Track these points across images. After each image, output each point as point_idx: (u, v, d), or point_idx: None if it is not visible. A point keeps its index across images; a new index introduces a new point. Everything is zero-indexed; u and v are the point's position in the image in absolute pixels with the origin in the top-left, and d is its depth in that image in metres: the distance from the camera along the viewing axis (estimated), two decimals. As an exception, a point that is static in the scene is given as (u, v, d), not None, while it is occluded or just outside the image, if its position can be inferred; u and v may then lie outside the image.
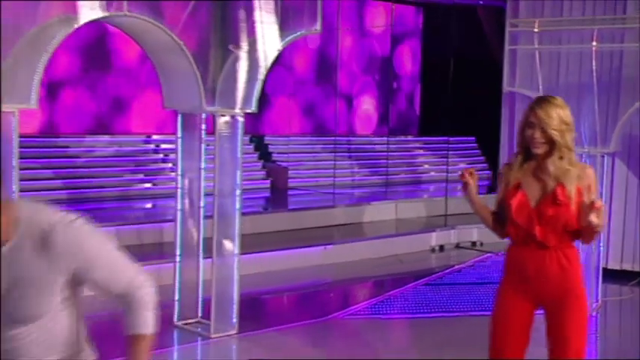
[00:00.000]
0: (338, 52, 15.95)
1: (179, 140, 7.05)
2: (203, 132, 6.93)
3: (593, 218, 3.87)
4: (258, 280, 8.78)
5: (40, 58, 5.79)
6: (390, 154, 15.63)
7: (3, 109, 5.64)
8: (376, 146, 16.06)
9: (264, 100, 14.97)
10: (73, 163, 12.15)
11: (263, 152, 14.59)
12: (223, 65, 6.81)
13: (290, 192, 13.68)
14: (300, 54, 15.75)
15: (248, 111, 6.94)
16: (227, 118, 6.87)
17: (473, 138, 16.86)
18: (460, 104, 15.06)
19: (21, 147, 11.01)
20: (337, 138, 15.33)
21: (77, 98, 13.09)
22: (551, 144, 3.99)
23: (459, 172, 4.26)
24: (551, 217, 4.03)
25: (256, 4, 6.87)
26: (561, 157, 4.00)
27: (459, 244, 11.34)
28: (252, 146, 14.51)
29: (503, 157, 9.86)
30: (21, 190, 10.23)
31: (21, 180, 10.55)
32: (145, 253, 8.96)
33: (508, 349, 4.20)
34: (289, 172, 14.13)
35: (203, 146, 6.94)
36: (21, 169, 10.65)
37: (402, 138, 17.20)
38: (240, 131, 6.94)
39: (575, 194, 4.00)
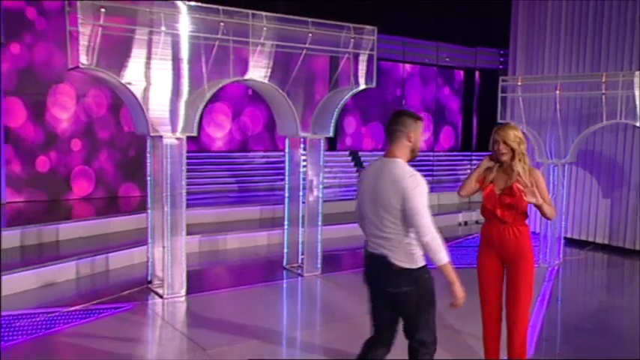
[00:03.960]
0: (404, 98, 15.72)
1: (287, 154, 7.13)
2: (301, 149, 6.97)
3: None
4: (340, 242, 8.78)
5: (201, 103, 5.95)
6: (435, 163, 15.28)
7: (178, 137, 5.87)
8: (429, 159, 15.71)
9: (360, 129, 14.96)
10: (240, 168, 12.46)
11: (358, 162, 14.46)
12: (314, 108, 6.83)
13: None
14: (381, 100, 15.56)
15: (327, 136, 6.92)
16: (314, 140, 6.90)
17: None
18: (484, 131, 14.58)
19: (211, 158, 11.69)
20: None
21: (252, 126, 13.37)
22: (512, 152, 3.83)
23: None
24: (508, 203, 3.88)
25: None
26: (520, 160, 3.84)
27: (478, 221, 10.96)
28: (350, 158, 14.46)
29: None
30: (206, 184, 10.70)
31: (208, 177, 11.10)
32: (275, 224, 9.12)
33: (488, 290, 4.05)
34: (374, 174, 13.96)
35: (301, 157, 6.99)
36: (206, 171, 11.21)
37: (443, 153, 16.75)
38: (322, 148, 6.93)
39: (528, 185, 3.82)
